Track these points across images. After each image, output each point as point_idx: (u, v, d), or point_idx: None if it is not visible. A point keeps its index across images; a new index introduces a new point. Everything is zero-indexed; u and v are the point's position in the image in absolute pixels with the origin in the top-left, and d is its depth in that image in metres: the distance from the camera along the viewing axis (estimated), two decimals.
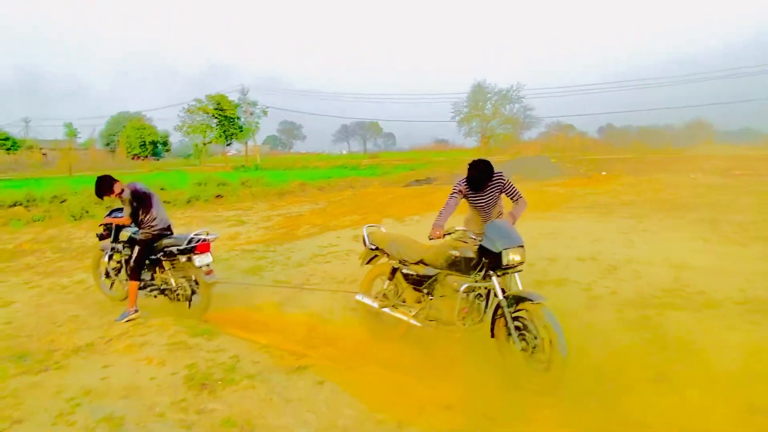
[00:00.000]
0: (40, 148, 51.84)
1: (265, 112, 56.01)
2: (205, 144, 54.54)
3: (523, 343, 3.57)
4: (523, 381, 3.55)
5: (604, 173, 23.65)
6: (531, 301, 3.55)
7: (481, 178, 4.22)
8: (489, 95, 60.58)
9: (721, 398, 3.34)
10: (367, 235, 4.72)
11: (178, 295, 5.32)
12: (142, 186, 5.33)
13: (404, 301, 4.46)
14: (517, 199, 4.40)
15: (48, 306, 5.76)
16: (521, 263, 3.74)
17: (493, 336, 3.77)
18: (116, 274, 5.74)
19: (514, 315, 3.63)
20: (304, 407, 3.38)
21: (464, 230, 4.16)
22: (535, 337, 3.49)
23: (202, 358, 4.14)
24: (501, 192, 4.44)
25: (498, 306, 3.73)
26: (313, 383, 3.68)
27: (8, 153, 39.52)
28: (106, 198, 5.30)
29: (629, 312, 4.98)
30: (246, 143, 56.58)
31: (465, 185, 4.38)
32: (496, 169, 4.33)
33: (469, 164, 4.28)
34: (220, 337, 4.59)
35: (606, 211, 11.97)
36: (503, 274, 3.80)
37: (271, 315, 5.32)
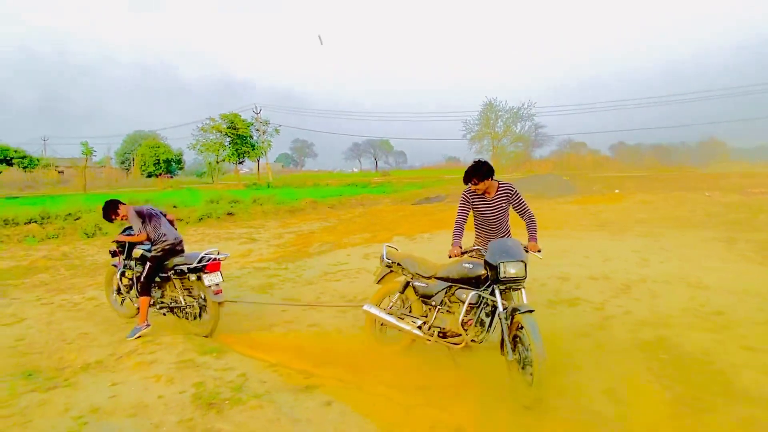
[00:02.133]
0: (56, 166, 52.65)
1: (277, 131, 56.44)
2: (218, 162, 55.02)
3: (516, 354, 3.60)
4: (518, 394, 3.55)
5: (617, 191, 23.45)
6: (519, 311, 3.60)
7: (473, 171, 4.31)
8: (500, 113, 60.84)
9: (740, 421, 3.24)
10: (385, 252, 4.74)
11: (186, 313, 5.32)
12: (148, 207, 5.49)
13: (410, 313, 4.47)
14: (524, 212, 4.43)
15: (59, 323, 5.77)
16: (520, 278, 3.73)
17: (503, 353, 3.75)
18: (127, 291, 5.77)
19: (511, 327, 3.68)
20: (312, 428, 3.33)
21: (480, 248, 4.17)
22: (527, 350, 3.47)
23: (210, 376, 4.11)
24: (509, 202, 4.45)
25: None
26: (321, 404, 3.62)
27: (25, 171, 40.08)
28: (114, 220, 5.49)
29: (644, 332, 4.88)
30: (258, 161, 57.04)
31: (470, 192, 4.48)
32: (506, 182, 4.46)
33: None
34: (228, 356, 4.57)
35: (619, 229, 11.84)
36: (505, 288, 3.83)
37: (280, 333, 5.29)
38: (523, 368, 3.53)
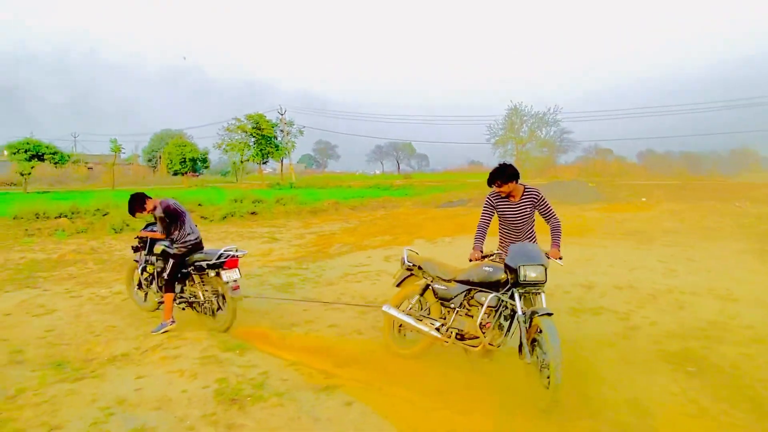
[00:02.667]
0: (86, 163, 53.94)
1: (301, 132, 57.01)
2: (242, 162, 55.70)
3: (534, 358, 3.59)
4: (536, 398, 3.52)
5: (643, 199, 23.01)
6: (538, 314, 3.59)
7: (497, 172, 4.29)
8: (525, 118, 60.30)
9: None
10: (406, 255, 4.75)
11: (205, 308, 5.43)
12: (174, 202, 5.49)
13: (429, 314, 4.47)
14: (550, 217, 4.39)
15: (87, 315, 5.92)
16: (540, 282, 3.71)
17: (521, 356, 3.74)
18: (148, 285, 5.88)
19: (530, 330, 3.67)
20: (332, 428, 3.35)
21: (501, 253, 4.15)
22: (545, 353, 3.45)
23: (233, 373, 4.17)
24: (534, 207, 4.41)
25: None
26: (341, 403, 3.64)
27: (56, 166, 41.14)
28: (138, 215, 5.53)
29: (670, 344, 4.78)
30: (281, 162, 57.56)
31: (494, 195, 4.45)
32: (532, 186, 4.43)
33: None
34: (250, 353, 4.63)
35: (646, 238, 11.62)
36: (524, 292, 3.81)
37: (301, 332, 5.33)
38: (540, 371, 3.51)
